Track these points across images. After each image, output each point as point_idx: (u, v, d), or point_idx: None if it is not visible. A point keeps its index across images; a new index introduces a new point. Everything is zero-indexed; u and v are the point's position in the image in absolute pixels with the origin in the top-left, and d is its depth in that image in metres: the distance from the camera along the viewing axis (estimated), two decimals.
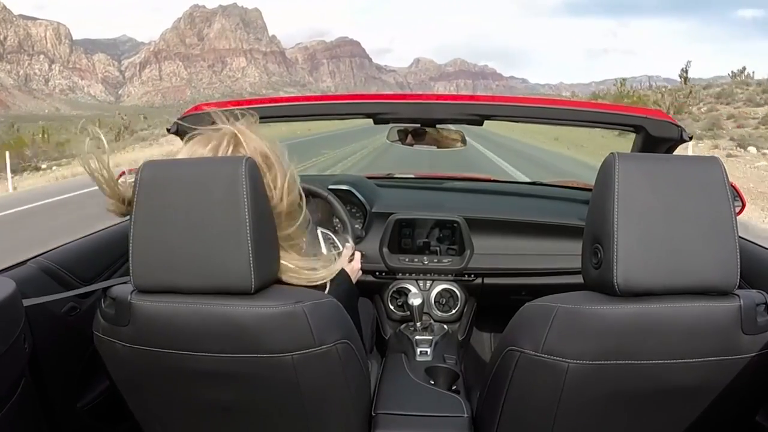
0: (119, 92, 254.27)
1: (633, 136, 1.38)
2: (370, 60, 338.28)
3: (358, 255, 1.28)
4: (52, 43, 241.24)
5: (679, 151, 1.30)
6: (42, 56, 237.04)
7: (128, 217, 0.77)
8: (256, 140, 0.83)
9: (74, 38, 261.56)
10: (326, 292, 0.87)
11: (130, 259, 0.74)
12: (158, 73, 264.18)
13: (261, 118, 0.88)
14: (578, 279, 0.81)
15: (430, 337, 1.40)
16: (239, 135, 0.82)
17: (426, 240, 1.60)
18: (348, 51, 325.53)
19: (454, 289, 1.63)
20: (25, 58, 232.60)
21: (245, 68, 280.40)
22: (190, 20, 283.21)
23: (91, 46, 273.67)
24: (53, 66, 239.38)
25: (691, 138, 1.26)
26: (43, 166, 16.63)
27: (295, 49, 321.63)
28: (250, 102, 1.35)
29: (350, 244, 1.26)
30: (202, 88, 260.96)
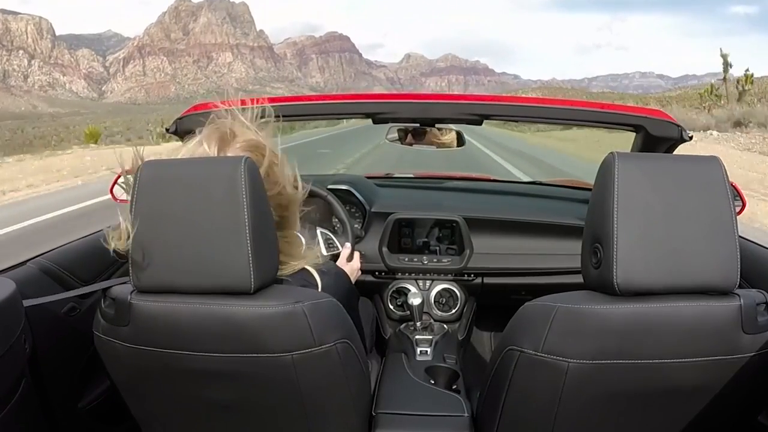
0: (102, 88, 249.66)
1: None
2: (360, 55, 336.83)
3: (357, 255, 1.29)
4: (33, 38, 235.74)
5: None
6: (21, 51, 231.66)
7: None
8: (249, 132, 0.84)
9: (58, 33, 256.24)
10: (320, 289, 0.88)
11: (130, 259, 0.73)
12: (142, 69, 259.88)
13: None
14: (578, 278, 0.81)
15: (430, 337, 1.40)
16: (232, 127, 0.83)
17: (425, 240, 1.61)
18: (338, 46, 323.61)
19: (454, 289, 1.63)
20: (3, 54, 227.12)
21: (231, 63, 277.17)
22: (175, 14, 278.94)
23: (75, 42, 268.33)
24: (33, 62, 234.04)
25: (691, 138, 1.26)
26: None
27: (284, 44, 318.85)
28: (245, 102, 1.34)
29: (348, 245, 1.27)
30: (187, 83, 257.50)
